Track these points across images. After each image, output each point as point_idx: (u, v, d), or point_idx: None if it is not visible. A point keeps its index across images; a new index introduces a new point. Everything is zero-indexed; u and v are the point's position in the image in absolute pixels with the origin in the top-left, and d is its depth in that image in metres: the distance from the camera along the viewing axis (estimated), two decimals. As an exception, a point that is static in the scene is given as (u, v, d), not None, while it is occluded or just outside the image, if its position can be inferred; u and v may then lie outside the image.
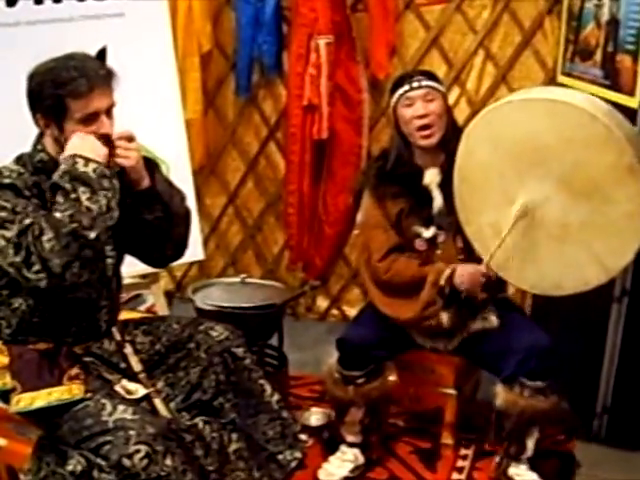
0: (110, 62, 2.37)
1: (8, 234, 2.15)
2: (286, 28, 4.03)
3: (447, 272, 2.84)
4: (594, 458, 3.07)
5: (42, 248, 2.10)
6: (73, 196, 2.14)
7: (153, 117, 3.45)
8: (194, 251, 3.59)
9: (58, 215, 2.13)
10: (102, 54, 2.39)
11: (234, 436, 2.49)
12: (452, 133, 2.86)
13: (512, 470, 2.88)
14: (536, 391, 2.78)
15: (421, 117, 2.86)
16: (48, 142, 2.33)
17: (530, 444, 2.86)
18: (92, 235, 2.14)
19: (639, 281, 2.98)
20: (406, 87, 2.89)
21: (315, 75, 3.86)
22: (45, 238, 2.10)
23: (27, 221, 2.14)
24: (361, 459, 2.99)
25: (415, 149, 2.94)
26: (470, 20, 3.88)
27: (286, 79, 4.06)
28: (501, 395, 2.81)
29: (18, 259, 2.13)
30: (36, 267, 2.12)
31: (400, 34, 3.94)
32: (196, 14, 4.02)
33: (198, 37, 4.05)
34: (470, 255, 2.90)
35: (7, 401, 2.31)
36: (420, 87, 2.88)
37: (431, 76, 2.97)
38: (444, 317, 2.88)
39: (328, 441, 3.11)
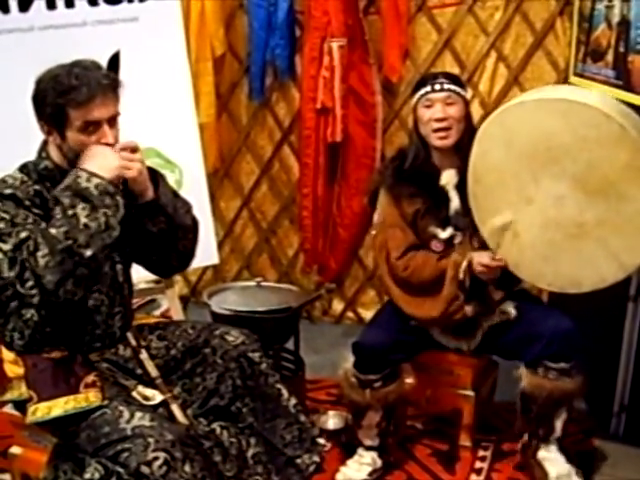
0: (123, 66, 2.38)
1: (5, 247, 2.14)
2: (299, 31, 4.05)
3: (464, 264, 2.84)
4: (612, 457, 3.08)
5: (37, 264, 2.10)
6: (70, 212, 2.14)
7: (167, 121, 3.46)
8: (209, 255, 3.62)
9: (53, 231, 2.12)
10: (115, 59, 2.40)
11: (252, 441, 2.49)
12: (470, 136, 2.86)
13: (541, 454, 2.90)
14: (561, 372, 2.80)
15: (439, 120, 2.87)
16: (52, 150, 2.32)
17: (558, 425, 2.88)
18: (88, 253, 2.14)
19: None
20: (427, 88, 2.91)
21: (328, 78, 3.87)
22: (40, 254, 2.10)
23: (23, 234, 2.14)
24: (379, 462, 2.99)
25: (432, 150, 2.95)
26: (482, 22, 3.89)
27: (299, 82, 4.07)
28: (526, 379, 2.84)
29: (12, 274, 2.12)
30: (30, 283, 2.11)
31: (412, 37, 3.95)
32: (209, 18, 4.03)
33: (211, 41, 4.06)
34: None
35: (23, 411, 2.30)
36: (442, 90, 2.89)
37: (455, 80, 2.97)
38: (468, 309, 2.89)
39: (346, 444, 3.12)
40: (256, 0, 3.98)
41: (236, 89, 4.27)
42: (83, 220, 2.14)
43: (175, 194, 2.51)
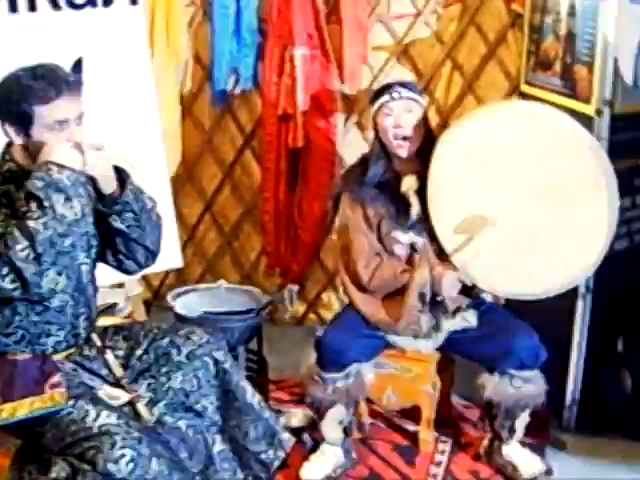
0: (87, 72, 2.40)
1: None
2: (262, 39, 4.09)
3: (429, 279, 2.94)
4: (567, 446, 3.21)
5: (16, 258, 2.11)
6: (47, 204, 2.15)
7: (131, 126, 3.49)
8: (173, 259, 3.67)
9: (32, 223, 2.13)
10: (78, 65, 2.42)
11: (218, 438, 2.51)
12: (429, 142, 2.97)
13: (505, 450, 3.03)
14: (525, 380, 2.92)
15: (399, 127, 2.97)
16: (16, 151, 2.33)
17: (520, 427, 3.01)
18: (67, 242, 2.18)
19: (601, 279, 3.10)
20: (387, 97, 3.00)
21: (290, 85, 3.95)
22: (19, 247, 2.12)
23: None
24: (342, 458, 3.06)
25: (393, 156, 3.04)
26: (438, 32, 3.99)
27: (261, 89, 4.13)
28: (491, 386, 2.95)
29: None
30: (10, 277, 2.13)
31: (371, 46, 4.03)
32: (173, 24, 4.04)
33: (175, 47, 4.08)
34: (447, 260, 2.99)
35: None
36: (400, 98, 2.99)
37: (412, 88, 3.07)
38: (423, 322, 2.99)
39: (309, 441, 3.19)
40: (219, 8, 4.03)
41: (199, 95, 4.32)
42: (60, 210, 2.16)
43: (141, 191, 2.51)
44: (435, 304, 2.99)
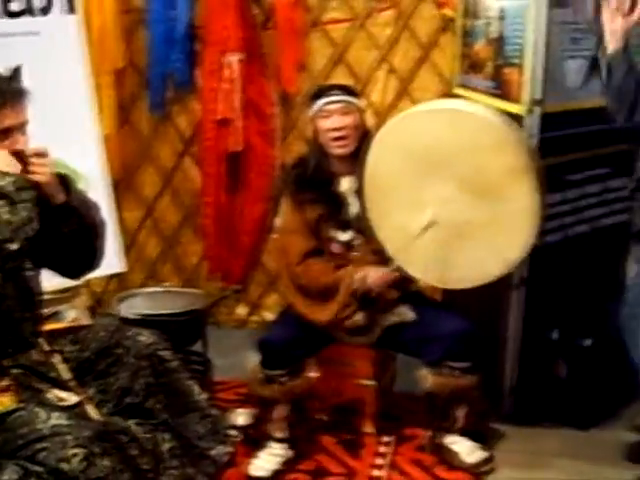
0: (25, 80, 2.40)
1: None
2: (198, 46, 4.14)
3: (359, 276, 3.03)
4: (505, 434, 3.31)
5: None
6: None
7: (70, 133, 3.50)
8: (115, 263, 3.68)
9: None
10: (16, 73, 2.42)
11: (166, 436, 2.52)
12: (366, 143, 3.04)
13: (447, 440, 3.12)
14: (462, 371, 3.02)
15: (337, 129, 3.05)
16: None
17: (461, 416, 3.11)
18: (14, 247, 2.18)
19: (535, 269, 3.22)
20: (324, 100, 3.08)
21: (228, 90, 4.01)
22: None
23: None
24: (289, 453, 3.11)
25: (331, 158, 3.12)
26: (373, 37, 4.08)
27: (200, 95, 4.18)
28: (430, 379, 3.05)
29: None
30: None
31: (308, 51, 4.12)
32: (109, 32, 4.08)
33: (112, 54, 4.12)
34: (384, 257, 3.09)
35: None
36: (338, 101, 3.07)
37: (349, 91, 3.16)
38: (359, 317, 3.08)
39: (255, 439, 3.22)
40: (156, 15, 4.09)
41: (137, 101, 4.34)
42: (5, 216, 2.17)
43: (85, 197, 2.54)
44: (369, 300, 3.07)
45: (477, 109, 2.93)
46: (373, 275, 3.05)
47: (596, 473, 3.07)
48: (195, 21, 4.13)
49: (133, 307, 3.41)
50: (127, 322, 3.26)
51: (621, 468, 3.09)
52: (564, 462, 3.14)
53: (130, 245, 4.49)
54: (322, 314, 3.09)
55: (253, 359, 3.13)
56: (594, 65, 3.21)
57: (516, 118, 3.12)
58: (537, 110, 3.13)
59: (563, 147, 3.24)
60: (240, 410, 3.42)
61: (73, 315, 4.00)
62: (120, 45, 4.16)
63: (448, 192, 2.89)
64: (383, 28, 4.07)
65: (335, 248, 3.16)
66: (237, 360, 3.41)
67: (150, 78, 4.25)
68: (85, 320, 3.72)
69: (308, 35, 4.11)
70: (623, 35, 2.69)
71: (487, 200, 2.84)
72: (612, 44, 2.72)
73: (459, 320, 3.06)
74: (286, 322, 3.18)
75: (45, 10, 3.53)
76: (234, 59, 3.99)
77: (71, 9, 3.61)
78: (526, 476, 3.08)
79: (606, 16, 2.70)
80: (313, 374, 3.14)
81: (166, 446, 2.53)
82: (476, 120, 2.85)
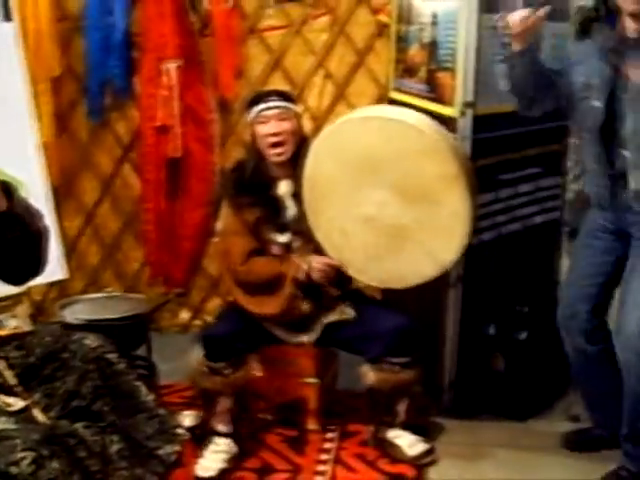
0: None
1: None
2: (136, 53, 4.16)
3: (304, 266, 3.11)
4: (446, 428, 3.40)
5: None
6: None
7: (8, 141, 3.50)
8: (57, 270, 3.67)
9: None
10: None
11: (115, 437, 2.53)
12: (304, 148, 3.13)
13: (389, 434, 3.19)
14: (402, 366, 3.11)
15: (274, 135, 3.12)
16: None
17: (402, 410, 3.19)
18: None
19: (471, 267, 3.32)
20: (262, 106, 3.16)
21: (167, 97, 4.04)
22: None
23: None
24: (234, 448, 3.15)
25: (269, 162, 3.19)
26: (309, 43, 4.15)
27: (138, 101, 4.20)
28: (371, 375, 3.12)
29: None
30: None
31: (245, 57, 4.17)
32: (45, 39, 4.07)
33: (48, 62, 4.10)
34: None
35: None
36: (275, 107, 3.15)
37: (286, 96, 3.24)
38: (306, 306, 3.17)
39: (201, 440, 3.23)
40: (92, 22, 4.10)
41: (75, 109, 4.33)
42: None
43: (28, 203, 2.51)
44: (314, 289, 3.15)
45: (408, 117, 3.04)
46: (317, 261, 3.13)
47: (534, 462, 3.18)
48: (133, 28, 4.14)
49: (76, 313, 3.41)
50: (71, 328, 3.27)
51: (558, 456, 3.20)
52: (503, 452, 3.24)
53: (70, 252, 4.46)
54: (270, 307, 3.16)
55: (197, 353, 3.17)
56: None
57: (449, 120, 3.23)
58: (469, 112, 3.23)
59: (495, 148, 3.34)
60: (186, 412, 3.44)
61: (14, 324, 3.98)
62: (56, 52, 4.14)
63: (383, 197, 2.99)
64: (319, 34, 4.15)
65: (274, 250, 3.23)
66: (181, 364, 3.43)
67: (88, 85, 4.25)
68: (27, 328, 3.70)
69: (245, 42, 4.17)
70: (527, 37, 2.80)
71: (421, 204, 2.95)
72: (517, 45, 2.83)
73: (398, 317, 3.15)
74: (229, 316, 3.26)
75: (-19, 18, 3.52)
76: (172, 66, 4.03)
77: (7, 17, 3.61)
78: (467, 467, 3.17)
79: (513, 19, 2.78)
80: (256, 372, 3.21)
81: (114, 448, 2.54)
82: (407, 128, 2.96)
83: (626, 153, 2.79)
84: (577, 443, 3.24)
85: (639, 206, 2.82)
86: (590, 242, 3.06)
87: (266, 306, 3.16)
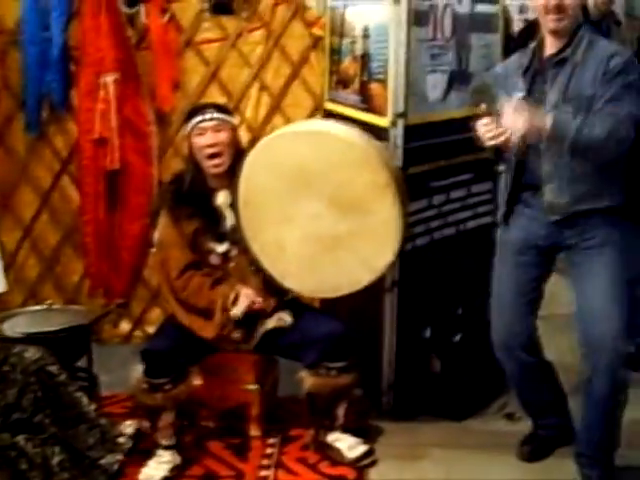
0: None
1: None
2: (74, 66, 4.16)
3: (231, 297, 3.17)
4: (386, 430, 3.47)
5: None
6: None
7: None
8: (-5, 283, 3.67)
9: None
10: None
11: (56, 449, 2.59)
12: (240, 159, 3.19)
13: (330, 437, 3.26)
14: (339, 370, 3.17)
15: (211, 146, 3.18)
16: None
17: (341, 414, 3.26)
18: None
19: (406, 272, 3.42)
20: (199, 118, 3.22)
21: (104, 110, 4.05)
22: None
23: None
24: (178, 459, 3.18)
25: (207, 173, 3.25)
26: (245, 55, 4.21)
27: (76, 115, 4.20)
28: (309, 380, 3.19)
29: None
30: None
31: (182, 69, 4.21)
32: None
33: (-18, 76, 4.09)
34: (260, 267, 3.22)
35: None
36: (211, 119, 3.20)
37: (222, 109, 3.31)
38: (237, 334, 3.22)
39: (144, 449, 3.26)
40: (29, 36, 4.08)
41: (12, 123, 4.31)
42: None
43: None
44: (246, 315, 3.20)
45: (339, 130, 3.13)
46: (245, 296, 3.17)
47: (472, 460, 3.26)
48: (70, 42, 4.14)
49: (16, 326, 3.41)
50: (11, 341, 3.27)
51: (495, 454, 3.29)
52: (442, 452, 3.32)
53: (9, 266, 4.44)
54: (205, 331, 3.21)
55: (137, 370, 3.18)
56: (452, 79, 3.47)
57: (382, 130, 3.32)
58: (400, 122, 3.33)
59: (427, 156, 3.44)
60: (128, 422, 3.44)
61: (-48, 339, 3.96)
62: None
63: (317, 208, 3.07)
64: (254, 47, 4.21)
65: (213, 259, 3.29)
66: (123, 374, 3.44)
67: (25, 99, 4.23)
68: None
69: (182, 55, 4.20)
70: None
71: (353, 214, 3.04)
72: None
73: (333, 323, 3.22)
74: (167, 331, 3.28)
75: None
76: (109, 79, 4.04)
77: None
78: (406, 467, 3.24)
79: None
80: (197, 382, 3.23)
81: (56, 459, 2.59)
82: (338, 141, 3.06)
83: (543, 165, 2.85)
84: (532, 454, 3.26)
85: (553, 217, 2.88)
86: (516, 259, 3.06)
87: (202, 329, 3.21)
